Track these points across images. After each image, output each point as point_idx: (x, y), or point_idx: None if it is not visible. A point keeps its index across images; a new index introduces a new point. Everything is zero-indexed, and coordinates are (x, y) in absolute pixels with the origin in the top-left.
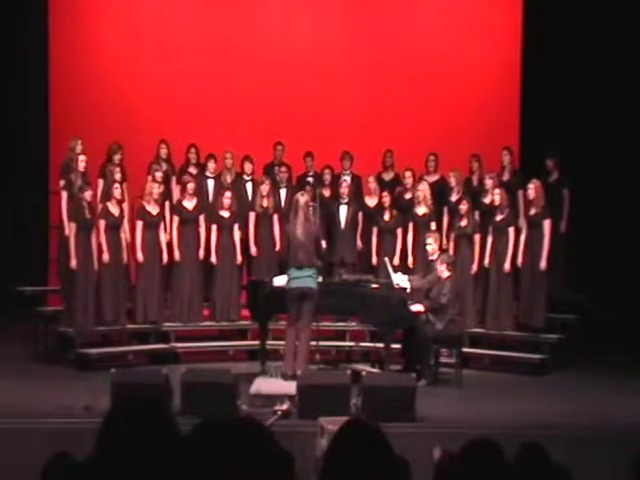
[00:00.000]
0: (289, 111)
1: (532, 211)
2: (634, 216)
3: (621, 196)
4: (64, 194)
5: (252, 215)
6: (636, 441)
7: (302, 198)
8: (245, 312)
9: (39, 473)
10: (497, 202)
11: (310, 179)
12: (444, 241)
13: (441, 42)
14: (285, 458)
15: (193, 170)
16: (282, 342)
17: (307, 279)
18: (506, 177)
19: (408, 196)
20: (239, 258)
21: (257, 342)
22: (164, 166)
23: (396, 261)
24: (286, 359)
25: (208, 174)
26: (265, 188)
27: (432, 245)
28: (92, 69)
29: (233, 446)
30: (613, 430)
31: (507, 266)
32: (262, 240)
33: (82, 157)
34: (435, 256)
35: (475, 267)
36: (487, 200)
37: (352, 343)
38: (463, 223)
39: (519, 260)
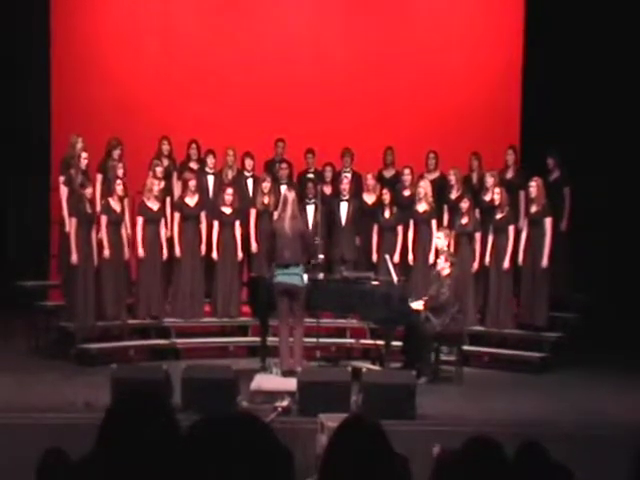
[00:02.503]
0: (290, 108)
1: (533, 209)
2: (635, 214)
3: (622, 194)
4: (64, 190)
5: (253, 212)
6: (636, 440)
7: (290, 194)
8: (246, 308)
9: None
10: (497, 201)
11: (311, 176)
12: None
13: (442, 40)
14: (285, 454)
15: (194, 165)
16: None
17: (293, 276)
18: (510, 175)
19: (406, 193)
20: (240, 254)
21: (257, 338)
22: (165, 162)
23: (396, 258)
24: (281, 355)
25: (208, 170)
26: (266, 185)
27: (441, 240)
28: (93, 65)
29: (233, 442)
30: (613, 429)
31: (506, 264)
32: (263, 237)
33: (84, 154)
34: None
35: (476, 265)
36: (487, 198)
37: (352, 340)
38: (464, 221)
39: (519, 259)
